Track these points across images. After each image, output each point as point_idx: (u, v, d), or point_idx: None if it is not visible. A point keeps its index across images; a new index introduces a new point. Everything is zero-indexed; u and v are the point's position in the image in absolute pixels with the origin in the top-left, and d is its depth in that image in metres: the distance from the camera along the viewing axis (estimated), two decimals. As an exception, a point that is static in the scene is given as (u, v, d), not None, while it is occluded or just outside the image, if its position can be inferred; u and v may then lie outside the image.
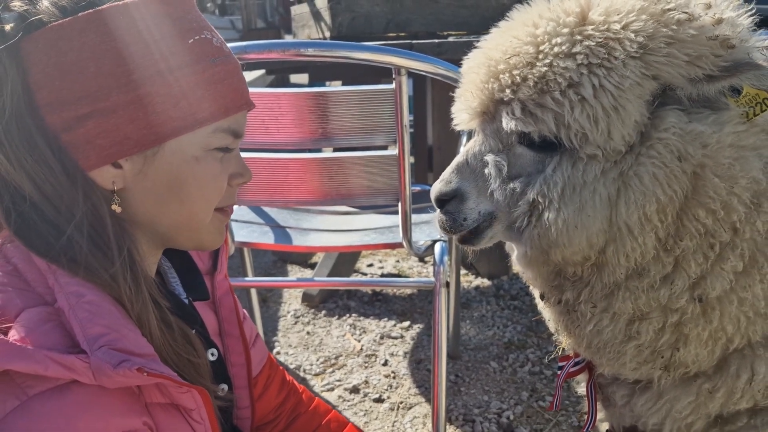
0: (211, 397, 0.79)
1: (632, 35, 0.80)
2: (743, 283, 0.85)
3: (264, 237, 1.90)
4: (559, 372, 1.13)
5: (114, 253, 0.73)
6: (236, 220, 2.00)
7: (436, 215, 1.02)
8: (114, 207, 0.76)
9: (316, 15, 2.95)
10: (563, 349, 1.11)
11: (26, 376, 0.64)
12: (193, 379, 0.79)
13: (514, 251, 1.03)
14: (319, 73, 3.18)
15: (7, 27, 0.70)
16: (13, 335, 0.65)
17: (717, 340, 0.88)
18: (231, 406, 1.00)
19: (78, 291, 0.68)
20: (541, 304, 1.08)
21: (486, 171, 0.95)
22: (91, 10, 0.72)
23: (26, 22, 0.70)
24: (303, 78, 4.88)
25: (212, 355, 0.94)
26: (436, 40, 2.61)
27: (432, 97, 3.36)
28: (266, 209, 2.12)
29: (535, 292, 1.08)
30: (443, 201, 0.99)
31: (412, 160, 3.12)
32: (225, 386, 0.95)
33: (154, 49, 0.73)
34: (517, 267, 1.03)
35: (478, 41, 0.97)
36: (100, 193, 0.75)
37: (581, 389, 1.19)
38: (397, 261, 3.31)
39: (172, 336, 0.78)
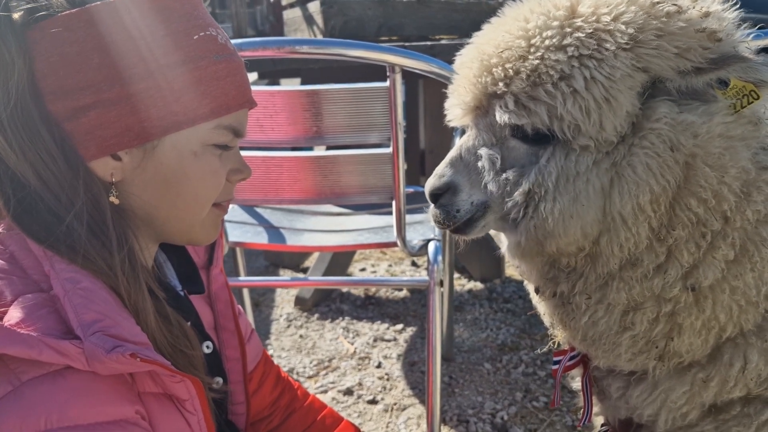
0: (205, 389, 0.78)
1: (623, 27, 0.81)
2: (735, 272, 0.86)
3: (257, 237, 1.89)
4: (555, 367, 1.13)
5: (113, 243, 0.72)
6: (230, 221, 1.99)
7: (431, 210, 1.02)
8: (111, 199, 0.75)
9: (309, 19, 2.96)
10: (558, 344, 1.11)
11: (20, 362, 0.64)
12: (187, 370, 0.78)
13: (503, 243, 1.04)
14: (311, 77, 3.19)
15: (16, 15, 0.70)
16: (8, 320, 0.64)
17: (710, 329, 0.89)
18: (225, 399, 0.99)
19: (73, 277, 0.68)
20: (536, 299, 1.08)
21: (479, 164, 0.95)
22: (99, 2, 0.72)
23: (35, 11, 0.71)
24: (295, 83, 4.90)
25: (207, 347, 0.93)
26: (429, 43, 2.63)
27: (424, 101, 3.38)
28: (259, 211, 2.12)
29: (530, 287, 1.08)
30: (437, 195, 1.00)
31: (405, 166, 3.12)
32: (220, 379, 0.95)
33: (158, 44, 0.73)
34: (508, 260, 1.03)
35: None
36: (101, 184, 0.75)
37: (576, 384, 1.19)
38: (390, 265, 3.31)
39: (168, 327, 0.77)
